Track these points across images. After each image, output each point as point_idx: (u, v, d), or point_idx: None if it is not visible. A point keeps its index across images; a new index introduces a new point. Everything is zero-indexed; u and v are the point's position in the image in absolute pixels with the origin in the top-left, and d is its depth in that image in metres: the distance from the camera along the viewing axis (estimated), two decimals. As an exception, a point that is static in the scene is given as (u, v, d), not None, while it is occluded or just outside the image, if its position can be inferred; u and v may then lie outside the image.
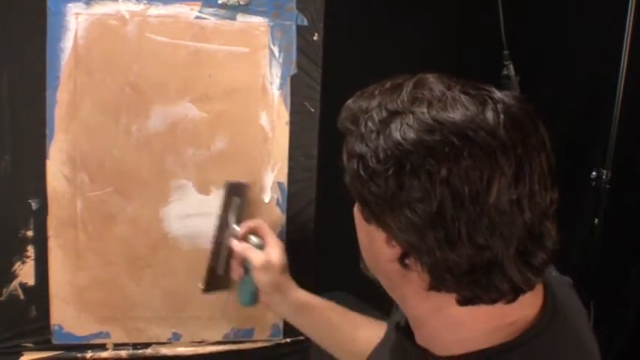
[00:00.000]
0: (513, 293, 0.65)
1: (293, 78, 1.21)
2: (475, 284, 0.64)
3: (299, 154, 1.25)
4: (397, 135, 0.63)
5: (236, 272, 1.16)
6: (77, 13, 1.13)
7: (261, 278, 1.11)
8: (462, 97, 0.64)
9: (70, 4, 1.12)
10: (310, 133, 1.25)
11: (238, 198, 1.18)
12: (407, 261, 0.66)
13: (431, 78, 0.67)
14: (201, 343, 1.27)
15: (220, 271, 1.17)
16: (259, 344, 1.29)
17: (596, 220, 1.63)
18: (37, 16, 1.11)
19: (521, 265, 0.63)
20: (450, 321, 0.69)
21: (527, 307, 0.69)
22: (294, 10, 1.19)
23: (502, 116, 0.62)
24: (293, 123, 1.23)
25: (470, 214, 0.61)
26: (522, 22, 1.59)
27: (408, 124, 0.63)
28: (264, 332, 1.28)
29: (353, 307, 1.12)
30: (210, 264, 1.16)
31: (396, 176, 0.63)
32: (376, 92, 0.69)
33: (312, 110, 1.24)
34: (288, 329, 1.27)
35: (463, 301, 0.66)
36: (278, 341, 1.29)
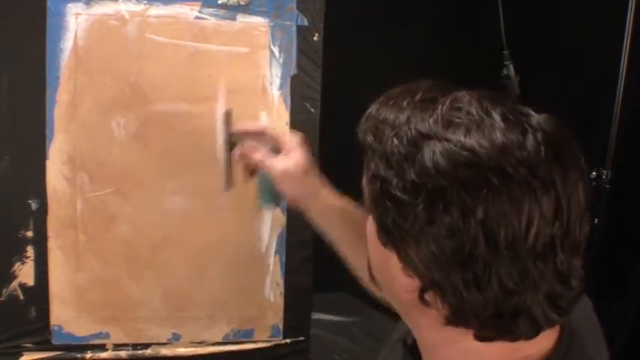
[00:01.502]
0: (535, 332, 0.61)
1: (293, 78, 1.21)
2: (498, 326, 0.60)
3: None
4: (429, 164, 0.57)
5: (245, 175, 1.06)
6: (77, 14, 1.13)
7: (283, 188, 1.01)
8: (502, 124, 0.58)
9: (70, 5, 1.12)
10: (310, 134, 1.24)
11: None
12: (426, 296, 0.62)
13: (467, 97, 0.61)
14: (201, 343, 1.26)
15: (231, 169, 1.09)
16: (259, 345, 1.29)
17: (596, 220, 1.63)
18: (37, 16, 1.11)
19: (547, 307, 0.59)
20: (463, 352, 0.65)
21: (543, 339, 0.65)
22: (294, 11, 1.19)
23: (543, 149, 0.57)
24: (293, 123, 1.23)
25: (503, 259, 0.56)
26: (522, 22, 1.59)
27: (441, 153, 0.57)
28: (264, 333, 1.28)
29: (353, 308, 1.12)
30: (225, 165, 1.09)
31: (425, 211, 0.57)
32: (404, 104, 0.62)
33: (312, 110, 1.23)
34: (288, 330, 1.27)
35: (482, 339, 0.62)
36: (278, 342, 1.29)
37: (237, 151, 1.06)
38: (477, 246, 0.56)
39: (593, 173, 1.63)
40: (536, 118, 0.60)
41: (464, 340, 0.63)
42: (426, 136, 0.58)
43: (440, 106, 0.60)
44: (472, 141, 0.57)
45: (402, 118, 0.61)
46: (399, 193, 0.59)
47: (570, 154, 0.60)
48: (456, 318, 0.61)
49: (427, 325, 0.65)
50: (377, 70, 1.68)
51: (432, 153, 0.57)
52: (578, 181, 0.59)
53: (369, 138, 0.63)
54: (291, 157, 1.00)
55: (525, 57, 1.60)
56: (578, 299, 0.62)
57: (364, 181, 0.64)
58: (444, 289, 0.59)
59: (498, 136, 0.57)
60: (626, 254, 1.77)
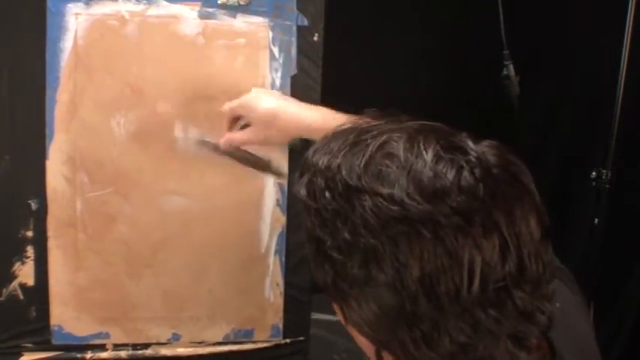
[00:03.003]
0: None
1: (293, 78, 1.21)
2: None
3: (298, 155, 1.24)
4: (360, 222, 0.55)
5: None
6: (77, 14, 1.13)
7: (270, 140, 1.06)
8: (433, 167, 0.55)
9: (70, 4, 1.12)
10: (310, 134, 1.24)
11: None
12: (383, 354, 0.60)
13: (396, 139, 0.58)
14: (201, 343, 1.26)
15: (250, 157, 1.16)
16: (259, 345, 1.29)
17: (596, 220, 1.63)
18: (37, 16, 1.11)
19: (512, 348, 0.56)
20: None
21: None
22: (294, 11, 1.19)
23: (481, 187, 0.54)
24: (293, 123, 1.23)
25: (449, 315, 0.53)
26: (522, 22, 1.59)
27: (371, 209, 0.55)
28: (264, 333, 1.28)
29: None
30: (254, 164, 1.17)
31: (361, 270, 0.55)
32: (336, 149, 0.60)
33: (312, 110, 1.23)
34: (288, 330, 1.27)
35: None
36: (278, 342, 1.29)
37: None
38: (419, 304, 0.53)
39: (593, 173, 1.63)
40: (475, 151, 0.57)
41: None
42: (356, 190, 0.56)
43: (369, 152, 0.57)
44: (401, 193, 0.54)
45: (334, 166, 0.59)
46: (334, 254, 0.57)
47: (515, 186, 0.56)
48: None
49: None
50: (377, 71, 1.68)
51: (362, 209, 0.55)
52: (527, 213, 0.55)
53: (304, 193, 0.61)
54: (252, 120, 1.05)
55: (525, 57, 1.60)
56: (547, 332, 0.59)
57: (304, 239, 0.62)
58: (394, 349, 0.57)
59: (429, 184, 0.54)
60: (626, 254, 1.77)
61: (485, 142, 0.59)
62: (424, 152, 0.56)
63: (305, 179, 0.62)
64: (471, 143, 0.58)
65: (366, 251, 0.55)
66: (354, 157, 0.58)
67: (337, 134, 0.63)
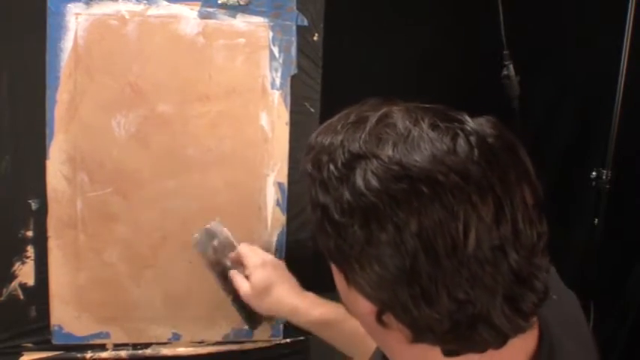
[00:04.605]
0: (501, 341, 0.60)
1: (293, 78, 1.21)
2: (460, 338, 0.59)
3: (299, 155, 1.24)
4: (361, 184, 0.57)
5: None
6: (77, 13, 1.13)
7: (253, 307, 1.10)
8: (430, 133, 0.58)
9: (70, 4, 1.12)
10: (310, 133, 1.23)
11: (215, 239, 1.17)
12: (384, 317, 0.62)
13: (396, 112, 0.62)
14: (201, 343, 1.27)
15: (249, 307, 1.15)
16: (259, 344, 1.29)
17: (596, 220, 1.63)
18: (37, 16, 1.11)
19: (509, 311, 0.58)
20: None
21: (519, 351, 0.64)
22: (294, 11, 1.19)
23: (476, 152, 0.57)
24: (293, 123, 1.23)
25: (447, 269, 0.55)
26: (522, 22, 1.59)
27: (372, 171, 0.57)
28: (264, 332, 1.28)
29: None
30: (238, 309, 1.17)
31: (362, 230, 0.58)
32: (339, 127, 0.63)
33: (312, 110, 1.23)
34: (288, 329, 1.27)
35: (449, 354, 0.62)
36: (278, 341, 1.29)
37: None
38: (418, 259, 0.55)
39: (593, 173, 1.63)
40: (471, 122, 0.60)
41: (434, 357, 0.62)
42: (358, 157, 0.59)
43: (369, 124, 0.61)
44: (400, 155, 0.57)
45: (336, 141, 0.62)
46: (336, 217, 0.59)
47: (509, 154, 0.59)
48: (416, 336, 0.60)
49: (396, 344, 0.65)
50: (377, 70, 1.68)
51: (363, 172, 0.58)
52: (520, 181, 0.58)
53: (309, 167, 0.64)
54: (251, 279, 1.09)
55: (525, 57, 1.60)
56: (543, 301, 0.60)
57: (310, 211, 0.64)
58: (394, 308, 0.59)
59: (427, 146, 0.57)
60: (625, 254, 1.77)
61: (483, 118, 0.61)
62: (422, 121, 0.59)
63: (310, 156, 0.65)
64: (467, 117, 0.61)
65: (367, 210, 0.57)
66: (355, 132, 0.61)
67: (339, 117, 0.66)
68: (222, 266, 1.16)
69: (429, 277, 0.56)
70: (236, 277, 1.13)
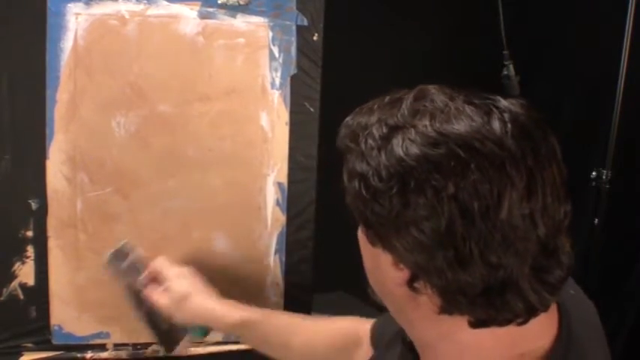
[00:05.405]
0: (527, 314, 0.62)
1: (293, 78, 1.21)
2: (489, 305, 0.61)
3: (299, 155, 1.25)
4: (399, 150, 0.60)
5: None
6: (77, 13, 1.13)
7: (175, 314, 1.10)
8: (466, 107, 0.61)
9: (70, 4, 1.12)
10: (310, 133, 1.24)
11: (125, 261, 1.14)
12: (416, 284, 0.63)
13: (432, 89, 0.64)
14: (201, 343, 1.26)
15: (164, 326, 1.14)
16: (259, 344, 1.29)
17: (596, 220, 1.63)
18: (37, 16, 1.11)
19: (536, 283, 0.60)
20: (459, 348, 0.66)
21: (539, 337, 0.66)
22: (294, 10, 1.19)
23: (509, 126, 0.59)
24: (293, 123, 1.23)
25: (481, 231, 0.57)
26: (522, 22, 1.59)
27: (410, 139, 0.60)
28: (264, 332, 1.28)
29: (353, 307, 1.12)
30: (152, 329, 1.15)
31: (400, 194, 0.59)
32: (375, 107, 0.66)
33: (312, 110, 1.23)
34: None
35: (476, 324, 0.63)
36: (278, 341, 1.29)
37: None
38: (454, 221, 0.58)
39: (593, 173, 1.63)
40: (503, 101, 0.62)
41: (459, 332, 0.64)
42: (395, 128, 0.61)
43: (405, 101, 0.63)
44: (437, 124, 0.60)
45: (373, 119, 0.64)
46: (374, 183, 0.61)
47: (539, 133, 0.61)
48: (447, 302, 0.62)
49: (422, 319, 0.67)
50: (377, 70, 1.68)
51: (401, 140, 0.60)
52: (550, 159, 0.60)
53: (346, 141, 0.66)
54: (170, 289, 1.10)
55: (525, 57, 1.60)
56: (568, 276, 0.63)
57: (345, 184, 0.66)
58: (429, 272, 0.61)
59: (464, 118, 0.60)
60: (626, 254, 1.77)
61: (513, 99, 0.64)
62: (457, 98, 0.62)
63: (347, 132, 0.66)
64: (500, 97, 0.64)
65: (405, 174, 0.59)
66: (392, 109, 0.63)
67: (373, 101, 0.67)
68: (133, 288, 1.14)
69: (464, 240, 0.58)
70: (151, 294, 1.12)
